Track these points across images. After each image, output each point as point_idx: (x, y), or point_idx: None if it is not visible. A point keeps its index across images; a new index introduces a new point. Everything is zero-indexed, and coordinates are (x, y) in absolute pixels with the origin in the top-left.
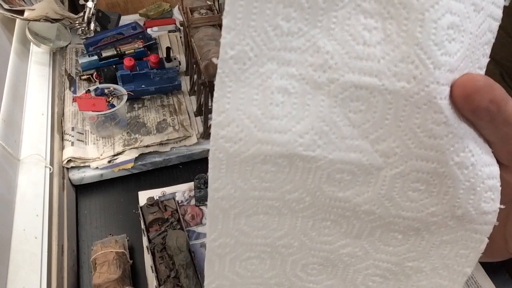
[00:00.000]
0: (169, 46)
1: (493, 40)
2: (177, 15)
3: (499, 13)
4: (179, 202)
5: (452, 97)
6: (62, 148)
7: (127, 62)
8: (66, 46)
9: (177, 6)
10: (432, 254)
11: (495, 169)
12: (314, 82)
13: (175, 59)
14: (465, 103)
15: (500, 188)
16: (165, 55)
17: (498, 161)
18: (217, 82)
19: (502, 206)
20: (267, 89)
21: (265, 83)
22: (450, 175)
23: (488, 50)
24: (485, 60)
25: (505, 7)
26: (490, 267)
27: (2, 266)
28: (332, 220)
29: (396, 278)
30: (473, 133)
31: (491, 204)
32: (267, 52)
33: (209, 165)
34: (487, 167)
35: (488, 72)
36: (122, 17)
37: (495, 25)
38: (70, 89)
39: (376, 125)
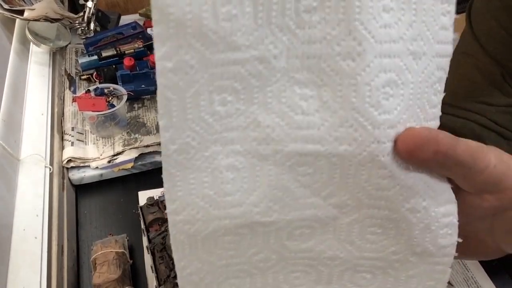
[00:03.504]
0: None
1: (445, 76)
2: None
3: (447, 49)
4: None
5: (396, 152)
6: (62, 148)
7: (127, 62)
8: (66, 46)
9: None
10: None
11: (451, 207)
12: (260, 155)
13: None
14: (409, 158)
15: (457, 223)
16: None
17: (462, 190)
18: (164, 175)
19: (460, 240)
20: (216, 170)
21: (212, 165)
22: (403, 219)
23: (440, 87)
24: (439, 97)
25: (505, 8)
26: (490, 267)
27: (2, 266)
28: (301, 270)
29: None
30: (424, 178)
31: (449, 238)
32: (209, 137)
33: (172, 248)
34: (442, 207)
35: (488, 72)
36: (122, 17)
37: (445, 61)
38: (70, 89)
39: (326, 184)
